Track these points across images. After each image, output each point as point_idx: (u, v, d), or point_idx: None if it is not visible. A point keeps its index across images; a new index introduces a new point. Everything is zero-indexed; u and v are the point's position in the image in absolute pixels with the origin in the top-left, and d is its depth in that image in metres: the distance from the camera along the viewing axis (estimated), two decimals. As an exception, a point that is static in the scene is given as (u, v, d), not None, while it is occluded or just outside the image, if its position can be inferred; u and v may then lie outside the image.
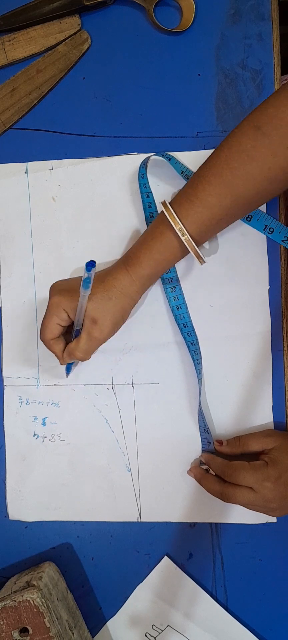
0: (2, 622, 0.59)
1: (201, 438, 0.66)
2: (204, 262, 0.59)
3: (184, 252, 0.59)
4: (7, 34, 0.67)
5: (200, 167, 0.57)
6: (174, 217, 0.56)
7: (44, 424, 0.68)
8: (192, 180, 0.58)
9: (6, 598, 0.59)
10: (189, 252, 0.58)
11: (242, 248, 0.65)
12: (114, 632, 0.67)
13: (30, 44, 0.67)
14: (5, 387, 0.68)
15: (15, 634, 0.59)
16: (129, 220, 0.66)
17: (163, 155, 0.65)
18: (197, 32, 0.66)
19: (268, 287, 0.65)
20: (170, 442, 0.66)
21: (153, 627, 0.67)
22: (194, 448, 0.66)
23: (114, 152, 0.67)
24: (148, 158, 0.66)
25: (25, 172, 0.67)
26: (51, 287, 0.62)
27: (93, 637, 0.66)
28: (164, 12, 0.67)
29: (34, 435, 0.68)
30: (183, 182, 0.64)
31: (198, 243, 0.58)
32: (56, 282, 0.62)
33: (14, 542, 0.68)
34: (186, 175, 0.64)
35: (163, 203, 0.58)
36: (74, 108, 0.68)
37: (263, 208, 0.64)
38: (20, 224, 0.68)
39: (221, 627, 0.66)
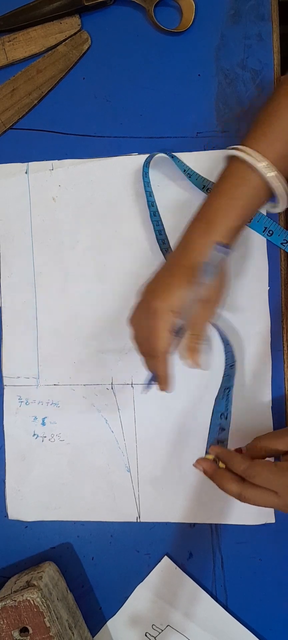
0: (2, 622, 0.59)
1: (212, 423, 0.62)
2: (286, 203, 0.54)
3: (270, 194, 0.54)
4: (7, 34, 0.67)
5: (264, 109, 0.55)
6: (259, 154, 0.52)
7: (43, 423, 0.68)
8: (261, 120, 0.54)
9: (6, 598, 0.59)
10: (272, 194, 0.54)
11: (242, 249, 0.65)
12: (114, 632, 0.67)
13: (31, 44, 0.67)
14: (5, 387, 0.68)
15: (15, 634, 0.59)
16: (129, 220, 0.66)
17: (166, 153, 0.65)
18: (197, 32, 0.66)
19: (268, 287, 0.65)
20: (170, 442, 0.66)
21: (154, 626, 0.67)
22: (194, 448, 0.66)
23: (114, 152, 0.67)
24: (151, 156, 0.65)
25: (26, 173, 0.67)
26: (143, 291, 0.56)
27: (93, 637, 0.66)
28: (164, 12, 0.67)
29: (34, 435, 0.68)
30: (183, 182, 0.64)
31: (282, 180, 0.53)
32: (147, 285, 0.56)
33: (14, 541, 0.68)
34: (188, 174, 0.64)
35: (238, 148, 0.53)
36: (74, 108, 0.68)
37: (262, 210, 0.64)
38: (21, 224, 0.68)
39: (221, 627, 0.66)
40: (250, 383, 0.65)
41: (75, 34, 0.67)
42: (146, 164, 0.65)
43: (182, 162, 0.65)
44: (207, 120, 0.66)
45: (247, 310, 0.65)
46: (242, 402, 0.65)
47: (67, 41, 0.67)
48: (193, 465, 0.59)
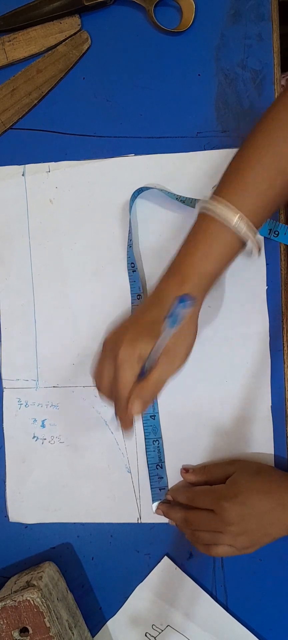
0: (2, 622, 0.59)
1: (150, 475, 0.66)
2: (260, 251, 0.55)
3: (241, 247, 0.54)
4: (7, 34, 0.67)
5: (238, 156, 0.55)
6: (231, 209, 0.52)
7: (43, 425, 0.68)
8: (235, 169, 0.54)
9: (6, 598, 0.59)
10: (245, 246, 0.54)
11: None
12: (114, 632, 0.67)
13: (31, 44, 0.67)
14: (4, 390, 0.68)
15: (15, 634, 0.59)
16: (126, 222, 0.66)
17: (156, 188, 0.65)
18: (197, 32, 0.66)
19: (266, 287, 0.65)
20: (169, 442, 0.66)
21: (154, 627, 0.67)
22: (193, 448, 0.66)
23: (114, 152, 0.67)
24: (139, 191, 0.65)
25: (23, 175, 0.67)
26: (108, 340, 0.55)
27: (93, 637, 0.67)
28: (164, 12, 0.66)
29: (34, 437, 0.68)
30: (174, 207, 0.65)
31: (254, 233, 0.54)
32: (111, 333, 0.56)
33: (14, 542, 0.68)
34: (182, 201, 0.64)
35: (212, 198, 0.53)
36: (74, 108, 0.68)
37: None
38: (18, 226, 0.68)
39: (221, 627, 0.66)
40: (249, 383, 0.65)
41: (75, 34, 0.67)
42: (133, 197, 0.65)
43: (173, 193, 0.64)
44: (207, 120, 0.66)
45: (245, 311, 0.65)
46: (242, 402, 0.65)
47: (67, 41, 0.67)
48: (155, 512, 0.66)
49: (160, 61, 0.67)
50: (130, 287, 0.66)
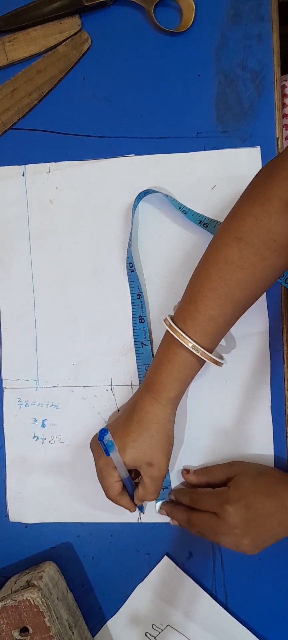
0: (2, 622, 0.59)
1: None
2: (223, 363, 0.60)
3: (202, 362, 0.59)
4: (7, 34, 0.67)
5: (192, 281, 0.59)
6: (185, 337, 0.56)
7: (43, 425, 0.68)
8: (189, 295, 0.58)
9: (6, 598, 0.59)
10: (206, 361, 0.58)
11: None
12: (114, 631, 0.68)
13: (31, 45, 0.67)
14: (4, 390, 0.68)
15: (16, 634, 0.59)
16: (126, 222, 0.66)
17: (162, 193, 0.65)
18: (197, 32, 0.66)
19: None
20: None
21: (154, 626, 0.67)
22: (192, 448, 0.66)
23: (114, 152, 0.67)
24: (145, 192, 0.65)
25: (23, 175, 0.67)
26: (91, 447, 0.63)
27: (93, 636, 0.67)
28: (164, 13, 0.66)
29: (34, 437, 0.68)
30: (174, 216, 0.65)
31: (212, 350, 0.58)
32: (92, 441, 0.64)
33: (14, 541, 0.68)
34: (184, 210, 0.64)
35: (169, 324, 0.58)
36: (74, 108, 0.68)
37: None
38: (18, 226, 0.67)
39: (221, 627, 0.66)
40: (249, 383, 0.65)
41: (75, 34, 0.67)
42: (138, 199, 0.65)
43: (177, 201, 0.65)
44: (207, 120, 0.66)
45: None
46: (242, 402, 0.65)
47: (67, 41, 0.67)
48: (159, 512, 0.67)
49: (160, 61, 0.67)
50: (130, 288, 0.66)
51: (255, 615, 0.66)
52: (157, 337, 0.66)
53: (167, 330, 0.59)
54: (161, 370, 0.59)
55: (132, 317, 0.66)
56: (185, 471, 0.66)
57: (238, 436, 0.66)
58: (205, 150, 0.66)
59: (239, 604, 0.66)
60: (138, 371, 0.66)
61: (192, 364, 0.59)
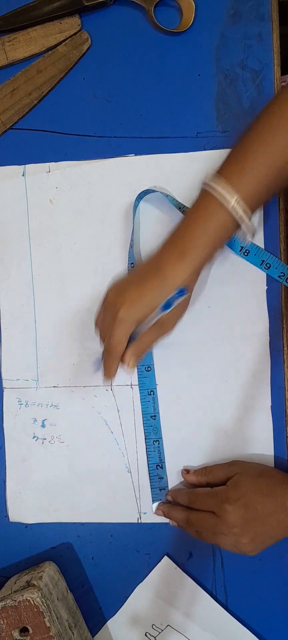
0: (2, 622, 0.59)
1: (150, 475, 0.67)
2: (254, 233, 0.58)
3: (236, 228, 0.56)
4: (7, 34, 0.67)
5: (242, 139, 0.56)
6: (227, 194, 0.54)
7: (43, 425, 0.68)
8: (236, 153, 0.56)
9: (6, 598, 0.59)
10: (240, 227, 0.56)
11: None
12: (113, 631, 0.68)
13: (31, 45, 0.67)
14: (4, 390, 0.68)
15: (16, 634, 0.59)
16: (126, 222, 0.66)
17: (161, 192, 0.65)
18: (197, 32, 0.66)
19: (266, 287, 0.65)
20: (170, 442, 0.67)
21: (154, 626, 0.67)
22: (193, 448, 0.66)
23: (114, 152, 0.67)
24: (145, 192, 0.65)
25: (23, 175, 0.67)
26: (110, 294, 0.59)
27: (93, 636, 0.67)
28: (164, 12, 0.66)
29: (34, 437, 0.68)
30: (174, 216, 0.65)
31: (249, 217, 0.56)
32: (113, 287, 0.59)
33: (14, 541, 0.68)
34: (184, 210, 0.64)
35: (211, 180, 0.55)
36: (74, 108, 0.68)
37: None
38: (18, 226, 0.68)
39: (221, 627, 0.66)
40: (249, 383, 0.65)
41: (75, 34, 0.67)
42: (138, 198, 0.65)
43: (177, 200, 0.65)
44: (207, 120, 0.66)
45: (245, 311, 0.65)
46: (242, 402, 0.65)
47: (67, 41, 0.67)
48: (155, 513, 0.67)
49: (160, 61, 0.67)
50: None
51: (255, 615, 0.66)
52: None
53: (204, 189, 0.56)
54: (193, 230, 0.56)
55: None
56: (185, 471, 0.66)
57: (238, 436, 0.66)
58: (205, 150, 0.66)
59: (239, 604, 0.66)
60: (138, 371, 0.66)
61: (228, 227, 0.55)
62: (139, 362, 0.61)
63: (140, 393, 0.66)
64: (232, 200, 0.54)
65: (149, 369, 0.65)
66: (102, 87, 0.67)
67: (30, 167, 0.67)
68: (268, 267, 0.64)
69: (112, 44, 0.67)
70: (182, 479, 0.66)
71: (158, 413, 0.66)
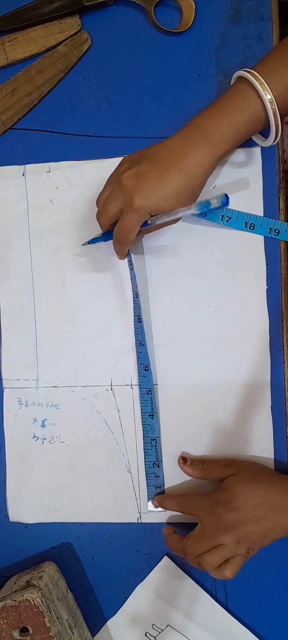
0: (2, 622, 0.59)
1: (147, 473, 0.67)
2: (278, 137, 0.57)
3: (263, 126, 0.57)
4: (7, 34, 0.67)
5: (284, 41, 0.56)
6: (265, 87, 0.54)
7: (43, 425, 0.68)
8: (277, 51, 0.56)
9: (6, 598, 0.59)
10: (266, 126, 0.56)
11: (240, 248, 0.65)
12: (113, 631, 0.67)
13: (31, 45, 0.67)
14: (4, 389, 0.68)
15: (16, 634, 0.59)
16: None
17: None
18: (197, 32, 0.66)
19: (266, 287, 0.65)
20: (170, 441, 0.67)
21: (154, 626, 0.67)
22: (193, 448, 0.66)
23: (114, 152, 0.67)
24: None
25: (23, 175, 0.67)
26: (127, 175, 0.56)
27: (93, 636, 0.67)
28: (164, 13, 0.66)
29: (34, 437, 0.68)
30: None
31: (281, 116, 0.56)
32: (133, 169, 0.56)
33: (14, 541, 0.68)
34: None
35: (249, 71, 0.55)
36: (74, 108, 0.68)
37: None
38: (18, 226, 0.68)
39: (221, 627, 0.66)
40: (249, 383, 0.65)
41: (75, 34, 0.67)
42: None
43: None
44: (207, 120, 0.66)
45: (245, 310, 0.65)
46: (242, 402, 0.65)
47: (67, 41, 0.67)
48: (151, 504, 0.67)
49: (160, 61, 0.67)
50: (132, 284, 0.66)
51: (255, 615, 0.66)
52: (155, 338, 0.66)
53: (242, 76, 0.56)
54: (225, 116, 0.55)
55: (133, 315, 0.66)
56: (182, 460, 0.65)
57: (238, 436, 0.65)
58: (205, 150, 0.66)
59: (239, 604, 0.66)
60: (138, 370, 0.66)
61: (257, 122, 0.56)
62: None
63: (139, 392, 0.66)
64: (271, 93, 0.54)
65: (147, 368, 0.65)
66: (102, 87, 0.67)
67: (30, 167, 0.67)
68: (253, 227, 0.64)
69: (112, 44, 0.67)
70: (180, 480, 0.66)
71: (156, 412, 0.66)
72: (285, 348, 0.65)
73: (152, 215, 0.57)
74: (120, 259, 0.64)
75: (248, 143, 0.64)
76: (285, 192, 0.66)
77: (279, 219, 0.65)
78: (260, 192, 0.65)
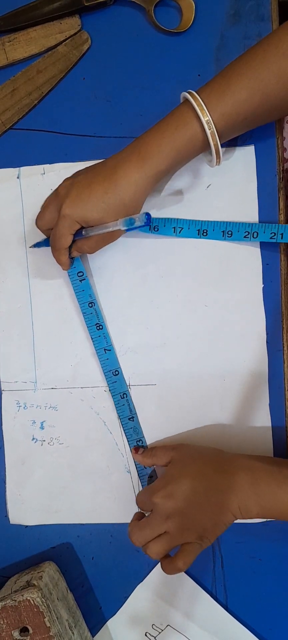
0: (2, 622, 0.59)
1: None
2: (220, 163, 0.58)
3: (204, 147, 0.57)
4: (7, 34, 0.67)
5: (232, 62, 0.56)
6: (203, 108, 0.54)
7: (42, 427, 0.68)
8: (223, 72, 0.56)
9: (6, 598, 0.59)
10: (208, 148, 0.57)
11: (236, 247, 0.65)
12: (113, 631, 0.68)
13: (31, 45, 0.67)
14: (2, 392, 0.68)
15: (16, 634, 0.59)
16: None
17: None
18: (197, 32, 0.66)
19: (263, 285, 0.65)
20: (169, 441, 0.66)
21: (154, 626, 0.67)
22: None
23: (114, 152, 0.66)
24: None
25: (18, 177, 0.67)
26: (62, 185, 0.59)
27: (93, 636, 0.67)
28: (164, 13, 0.66)
29: (33, 439, 0.68)
30: None
31: (221, 140, 0.56)
32: (68, 180, 0.59)
33: (14, 541, 0.68)
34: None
35: (191, 92, 0.56)
36: (74, 108, 0.67)
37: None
38: (14, 228, 0.67)
39: (221, 627, 0.66)
40: (247, 382, 0.65)
41: (75, 34, 0.67)
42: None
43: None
44: (206, 120, 0.66)
45: (242, 309, 0.65)
46: (240, 401, 0.65)
47: (67, 41, 0.67)
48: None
49: (160, 61, 0.66)
50: (79, 296, 0.66)
51: (255, 615, 0.66)
52: (152, 338, 0.66)
53: (184, 98, 0.57)
54: (162, 135, 0.56)
55: (88, 327, 0.66)
56: (134, 450, 0.65)
57: (237, 435, 0.66)
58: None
59: (239, 604, 0.67)
60: (106, 378, 0.66)
61: (196, 143, 0.56)
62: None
63: (113, 399, 0.66)
64: (209, 115, 0.54)
65: (117, 372, 0.66)
66: (102, 87, 0.67)
67: (25, 170, 0.67)
68: (206, 234, 0.64)
69: (112, 44, 0.67)
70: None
71: (135, 414, 0.66)
72: (285, 348, 0.65)
73: (83, 227, 0.59)
74: (64, 269, 0.63)
75: (242, 141, 0.64)
76: (285, 192, 0.66)
77: (279, 218, 0.64)
78: (254, 192, 0.65)
